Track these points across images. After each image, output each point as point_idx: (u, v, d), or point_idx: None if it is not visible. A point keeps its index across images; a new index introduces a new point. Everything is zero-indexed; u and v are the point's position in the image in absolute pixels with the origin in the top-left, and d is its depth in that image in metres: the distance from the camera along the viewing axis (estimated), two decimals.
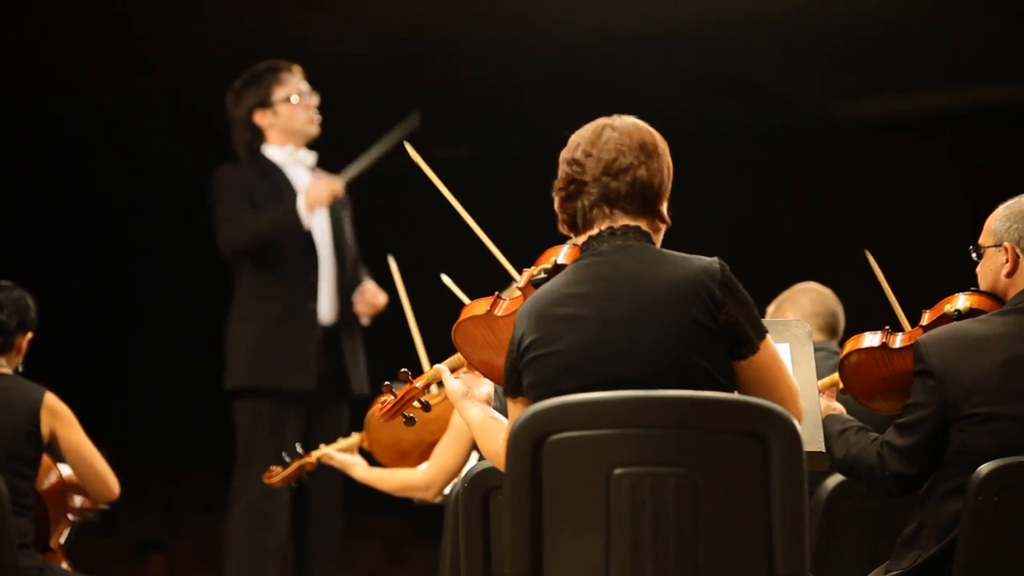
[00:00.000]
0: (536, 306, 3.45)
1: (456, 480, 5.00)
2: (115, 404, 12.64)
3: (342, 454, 5.52)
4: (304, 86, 6.72)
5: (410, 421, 3.90)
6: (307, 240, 6.61)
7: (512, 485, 3.29)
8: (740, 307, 3.40)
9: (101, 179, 12.90)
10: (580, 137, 3.53)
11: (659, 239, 3.54)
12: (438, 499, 5.35)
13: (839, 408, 4.22)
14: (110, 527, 11.34)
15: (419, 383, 3.87)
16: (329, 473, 6.31)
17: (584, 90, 10.40)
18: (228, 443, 6.70)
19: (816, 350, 5.01)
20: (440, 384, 3.82)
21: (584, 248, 3.50)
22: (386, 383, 3.90)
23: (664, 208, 3.53)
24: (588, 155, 3.49)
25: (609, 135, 3.50)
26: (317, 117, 6.76)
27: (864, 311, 5.42)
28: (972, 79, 10.85)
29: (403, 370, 3.90)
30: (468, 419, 3.71)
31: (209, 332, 7.71)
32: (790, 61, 10.53)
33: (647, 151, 3.49)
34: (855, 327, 5.01)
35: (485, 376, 3.74)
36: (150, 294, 13.54)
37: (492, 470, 3.86)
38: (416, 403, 3.87)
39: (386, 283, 6.29)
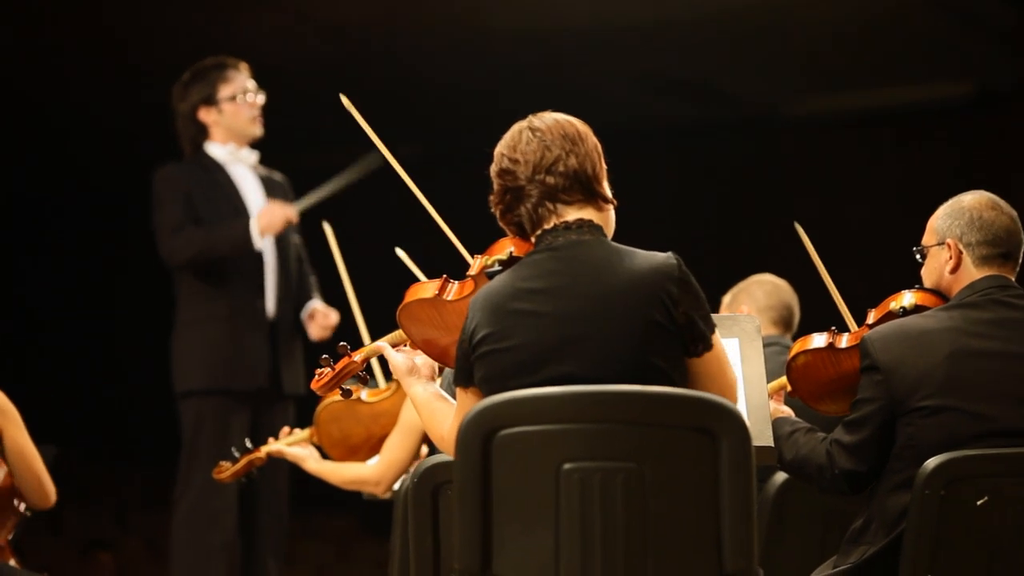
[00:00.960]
0: (491, 299, 3.44)
1: (405, 476, 5.00)
2: (62, 402, 12.57)
3: (294, 448, 5.51)
4: (250, 84, 6.69)
5: (346, 394, 3.91)
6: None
7: (462, 480, 3.29)
8: (696, 304, 3.41)
9: (33, 175, 12.82)
10: (502, 147, 3.56)
11: (609, 221, 3.55)
12: (387, 495, 5.35)
13: (787, 411, 4.23)
14: (57, 525, 11.27)
15: (357, 356, 3.87)
16: (276, 470, 6.30)
17: (534, 88, 10.41)
18: (175, 439, 6.67)
19: (769, 344, 5.03)
20: (389, 378, 3.82)
21: (538, 242, 3.50)
22: (324, 356, 3.90)
23: (605, 189, 3.54)
24: (515, 161, 3.51)
25: (529, 136, 3.52)
26: (261, 117, 6.73)
27: (814, 306, 5.44)
28: (917, 77, 10.92)
29: (342, 344, 3.90)
30: (413, 396, 3.70)
31: (156, 331, 7.67)
32: (739, 60, 10.57)
33: (571, 139, 3.51)
34: (807, 322, 5.04)
35: (426, 354, 3.73)
36: (96, 294, 13.47)
37: (441, 465, 3.85)
38: (354, 378, 3.88)
39: (324, 250, 6.25)
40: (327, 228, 6.09)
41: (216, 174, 6.62)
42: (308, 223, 6.84)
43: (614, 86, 10.95)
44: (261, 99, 6.72)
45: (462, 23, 9.88)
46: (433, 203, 4.35)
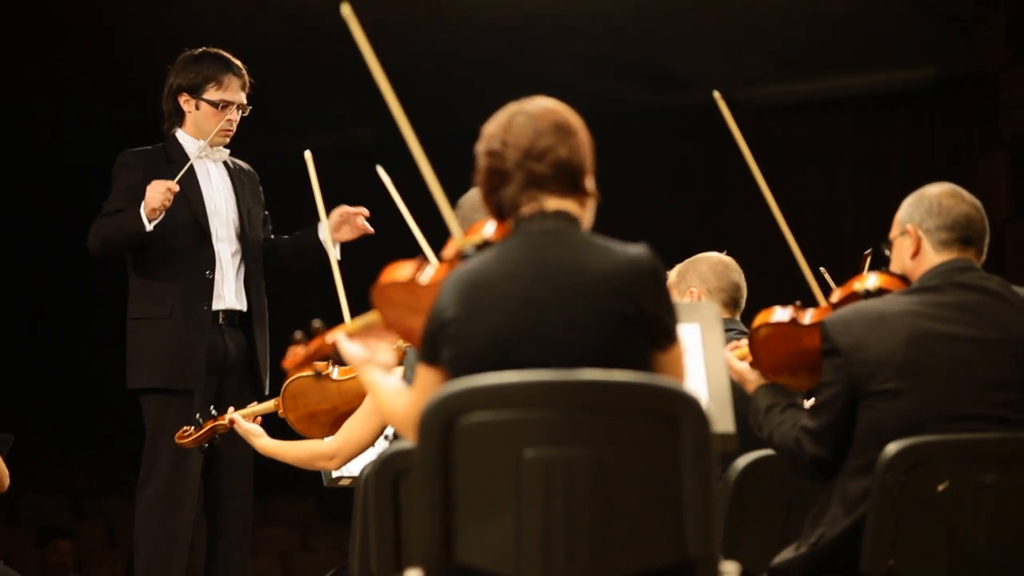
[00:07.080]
0: (462, 281, 3.43)
1: (367, 463, 4.99)
2: (16, 389, 12.52)
3: (247, 423, 5.51)
4: (237, 96, 6.54)
5: (318, 375, 3.88)
6: (201, 235, 6.48)
7: (423, 467, 3.28)
8: (665, 301, 3.42)
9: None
10: (494, 126, 3.52)
11: (589, 214, 3.54)
12: (339, 473, 5.39)
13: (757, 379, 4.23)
14: (14, 513, 11.23)
15: (329, 338, 3.84)
16: (239, 456, 6.27)
17: (491, 72, 10.40)
18: (132, 428, 6.63)
19: (725, 330, 5.02)
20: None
21: (515, 227, 3.49)
22: (298, 333, 3.88)
23: (590, 183, 3.53)
24: (505, 143, 3.48)
25: (522, 120, 3.49)
26: (231, 132, 6.58)
27: (764, 295, 5.44)
28: (876, 63, 10.95)
29: (315, 323, 3.87)
30: (370, 383, 3.68)
31: (110, 316, 7.62)
32: (696, 46, 10.58)
33: (563, 130, 3.49)
34: (753, 312, 5.04)
35: (398, 335, 3.71)
36: (50, 278, 13.40)
37: (403, 453, 3.84)
38: (326, 358, 3.85)
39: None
40: (308, 157, 5.89)
41: (178, 166, 6.51)
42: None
43: (570, 70, 10.96)
44: (243, 112, 6.56)
45: (420, 7, 9.86)
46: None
